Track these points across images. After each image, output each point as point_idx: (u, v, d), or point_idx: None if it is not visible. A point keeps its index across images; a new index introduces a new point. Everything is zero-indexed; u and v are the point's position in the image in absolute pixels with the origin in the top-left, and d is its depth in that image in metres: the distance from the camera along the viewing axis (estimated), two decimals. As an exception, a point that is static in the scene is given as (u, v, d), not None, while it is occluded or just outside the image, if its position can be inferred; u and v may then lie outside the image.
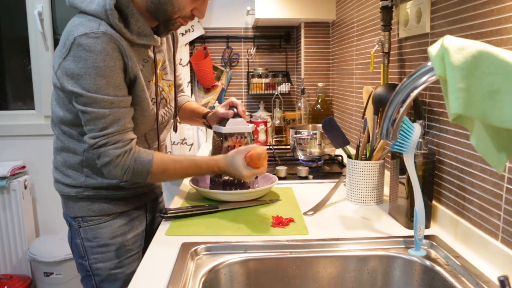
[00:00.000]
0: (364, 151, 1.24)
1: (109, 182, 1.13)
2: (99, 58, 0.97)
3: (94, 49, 0.96)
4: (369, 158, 1.20)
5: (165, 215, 1.08)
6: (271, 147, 2.06)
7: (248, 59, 2.57)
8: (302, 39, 2.28)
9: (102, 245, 1.14)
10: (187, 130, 2.42)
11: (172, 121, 1.30)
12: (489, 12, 0.82)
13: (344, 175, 1.33)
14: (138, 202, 1.22)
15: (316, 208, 1.15)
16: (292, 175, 1.50)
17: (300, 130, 1.65)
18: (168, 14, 1.05)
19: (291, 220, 1.06)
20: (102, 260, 1.14)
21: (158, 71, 1.15)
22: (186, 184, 1.41)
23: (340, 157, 1.69)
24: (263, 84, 2.46)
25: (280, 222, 1.04)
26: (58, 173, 1.16)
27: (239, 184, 1.26)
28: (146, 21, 1.06)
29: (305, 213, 1.12)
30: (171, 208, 1.10)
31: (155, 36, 1.10)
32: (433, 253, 0.88)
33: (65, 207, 1.17)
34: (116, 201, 1.16)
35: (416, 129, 0.85)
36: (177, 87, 1.34)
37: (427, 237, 0.92)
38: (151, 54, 1.11)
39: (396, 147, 0.86)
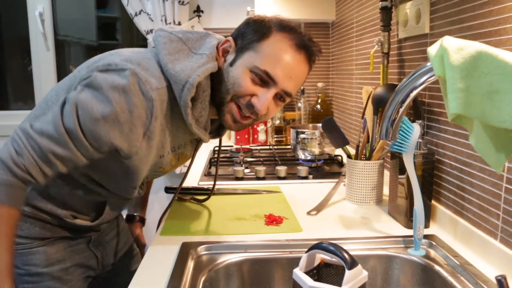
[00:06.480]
0: (364, 151, 1.25)
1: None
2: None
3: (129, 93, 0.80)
4: (369, 158, 1.20)
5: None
6: (271, 147, 2.06)
7: (248, 59, 2.57)
8: (302, 39, 2.28)
9: (33, 274, 0.95)
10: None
11: None
12: (488, 12, 0.83)
13: (344, 175, 1.33)
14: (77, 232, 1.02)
15: (318, 208, 1.15)
16: (292, 175, 1.50)
17: (302, 130, 1.65)
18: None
19: (284, 218, 1.07)
20: None
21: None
22: (185, 184, 1.41)
23: (339, 157, 1.69)
24: (263, 84, 2.45)
25: (274, 220, 1.05)
26: None
27: None
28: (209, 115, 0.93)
29: (308, 213, 1.12)
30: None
31: (207, 134, 0.95)
32: (432, 253, 0.89)
33: None
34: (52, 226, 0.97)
35: (416, 129, 0.85)
36: None
37: (426, 236, 0.92)
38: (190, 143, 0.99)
39: (395, 147, 0.87)
